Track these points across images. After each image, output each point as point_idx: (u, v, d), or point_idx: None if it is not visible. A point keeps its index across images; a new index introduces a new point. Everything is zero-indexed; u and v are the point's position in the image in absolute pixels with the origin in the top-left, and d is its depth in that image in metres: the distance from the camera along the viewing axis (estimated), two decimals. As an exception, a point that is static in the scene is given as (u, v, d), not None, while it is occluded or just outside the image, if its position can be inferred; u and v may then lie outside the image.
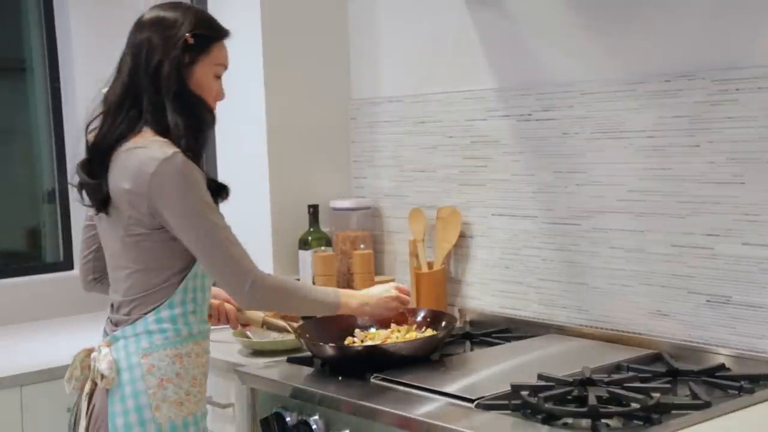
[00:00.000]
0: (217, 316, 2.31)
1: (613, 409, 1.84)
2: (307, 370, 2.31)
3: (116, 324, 2.06)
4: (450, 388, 2.03)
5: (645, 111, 2.32)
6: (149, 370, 1.99)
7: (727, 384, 2.01)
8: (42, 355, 2.70)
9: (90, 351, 2.07)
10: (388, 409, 1.96)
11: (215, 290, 2.22)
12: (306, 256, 2.94)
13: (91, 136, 2.07)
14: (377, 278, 2.89)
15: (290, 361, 2.38)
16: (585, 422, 1.81)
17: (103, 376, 1.98)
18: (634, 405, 1.83)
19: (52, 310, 3.25)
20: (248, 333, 2.55)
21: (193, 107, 2.03)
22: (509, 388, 1.96)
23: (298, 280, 2.95)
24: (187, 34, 2.01)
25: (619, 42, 2.39)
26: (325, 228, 3.01)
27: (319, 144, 3.10)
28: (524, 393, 1.92)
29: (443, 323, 2.38)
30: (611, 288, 2.43)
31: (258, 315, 2.39)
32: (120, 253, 2.03)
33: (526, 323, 2.62)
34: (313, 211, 2.99)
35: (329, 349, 2.26)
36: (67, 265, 3.43)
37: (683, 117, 2.25)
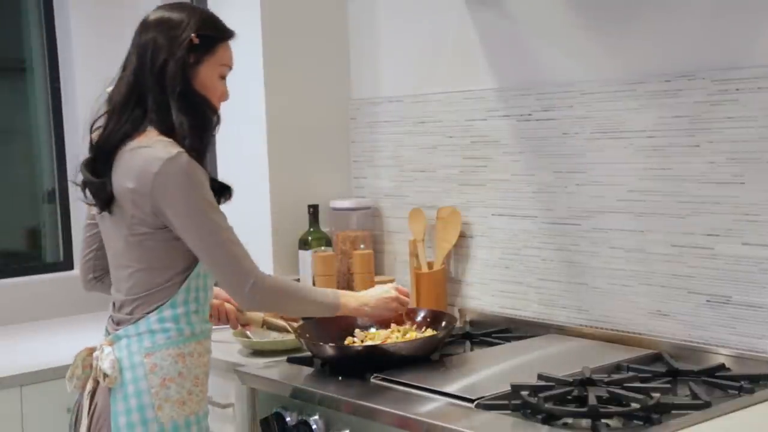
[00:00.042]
0: (217, 316, 2.31)
1: (613, 409, 1.84)
2: (307, 370, 2.31)
3: (118, 323, 2.06)
4: (450, 388, 2.03)
5: (645, 111, 2.32)
6: (152, 369, 1.99)
7: (727, 384, 2.01)
8: (42, 355, 2.70)
9: (92, 350, 2.08)
10: (387, 409, 1.96)
11: (216, 290, 2.22)
12: (306, 256, 2.94)
13: (95, 135, 2.07)
14: (377, 278, 2.89)
15: (290, 361, 2.38)
16: (585, 422, 1.81)
17: (105, 375, 1.99)
18: (634, 405, 1.83)
19: (52, 310, 3.25)
20: (248, 333, 2.56)
21: (198, 107, 2.04)
22: (509, 388, 1.96)
23: (298, 280, 2.95)
24: (192, 35, 2.02)
25: (619, 42, 2.39)
26: (325, 228, 3.01)
27: (319, 144, 3.10)
28: (524, 393, 1.92)
29: (443, 323, 2.38)
30: (611, 288, 2.43)
31: (258, 315, 2.39)
32: (123, 252, 2.04)
33: (526, 323, 2.62)
34: (313, 211, 2.99)
35: (329, 349, 2.26)
36: (67, 265, 3.43)
37: (683, 117, 2.25)
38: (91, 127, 2.09)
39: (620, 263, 2.40)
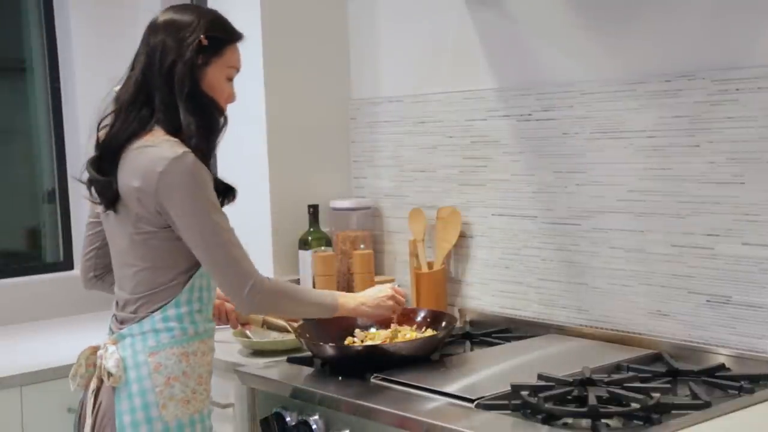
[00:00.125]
0: (218, 316, 2.31)
1: (613, 409, 1.84)
2: (307, 370, 2.31)
3: (122, 322, 2.07)
4: (450, 388, 2.03)
5: (645, 111, 2.32)
6: (156, 368, 2.00)
7: (727, 384, 2.01)
8: (42, 355, 2.69)
9: (95, 348, 2.09)
10: (387, 409, 1.96)
11: (216, 290, 2.22)
12: (306, 256, 2.94)
13: (102, 134, 2.08)
14: (377, 278, 2.89)
15: (290, 361, 2.38)
16: (585, 422, 1.81)
17: (110, 374, 1.99)
18: (634, 405, 1.84)
19: (52, 310, 3.25)
20: (248, 333, 2.56)
21: (206, 108, 2.05)
22: (509, 388, 1.97)
23: (298, 280, 2.95)
24: (201, 36, 2.03)
25: (619, 42, 2.39)
26: (325, 228, 3.01)
27: (319, 144, 3.10)
28: (524, 393, 1.92)
29: (443, 323, 2.39)
30: (611, 288, 2.43)
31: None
32: (127, 251, 2.04)
33: (526, 323, 2.62)
34: (313, 211, 2.99)
35: (329, 349, 2.26)
36: (67, 265, 3.43)
37: (683, 117, 2.25)
38: (98, 125, 2.10)
39: (620, 263, 2.40)
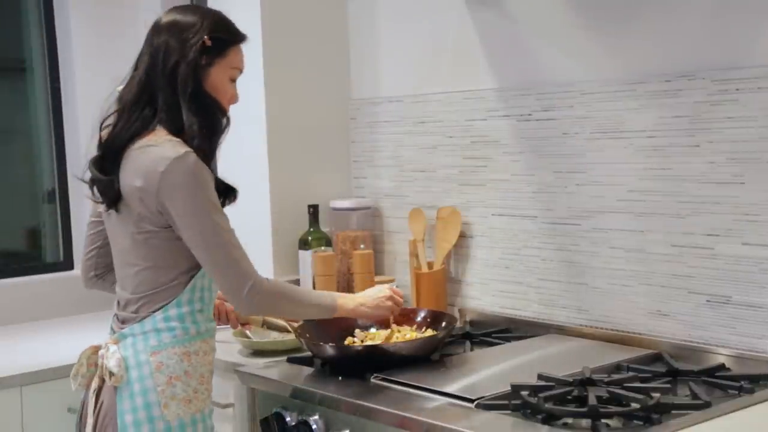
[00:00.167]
0: (218, 316, 2.31)
1: (613, 409, 1.84)
2: (307, 370, 2.31)
3: (123, 321, 2.07)
4: (450, 388, 2.03)
5: (645, 111, 2.32)
6: (158, 367, 2.00)
7: (727, 384, 2.01)
8: (42, 355, 2.69)
9: (97, 348, 2.09)
10: (387, 409, 1.96)
11: (216, 290, 2.23)
12: (306, 256, 2.94)
13: (104, 133, 2.09)
14: (377, 278, 2.89)
15: (290, 361, 2.38)
16: (585, 422, 1.81)
17: (112, 374, 2.00)
18: (634, 405, 1.83)
19: (52, 310, 3.25)
20: (248, 333, 2.56)
21: (209, 109, 2.05)
22: (509, 388, 1.97)
23: (298, 280, 2.95)
24: (205, 37, 2.03)
25: (619, 42, 2.39)
26: (325, 228, 3.01)
27: (319, 144, 3.10)
28: (524, 393, 1.92)
29: (443, 323, 2.39)
30: (611, 288, 2.43)
31: (258, 314, 2.39)
32: (129, 250, 2.05)
33: (526, 323, 2.62)
34: (313, 211, 2.99)
35: (329, 349, 2.26)
36: (67, 265, 3.43)
37: (683, 117, 2.25)
38: (101, 125, 2.11)
39: (620, 263, 2.40)
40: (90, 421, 2.05)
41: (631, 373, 2.09)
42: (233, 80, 2.12)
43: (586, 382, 1.98)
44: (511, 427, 1.84)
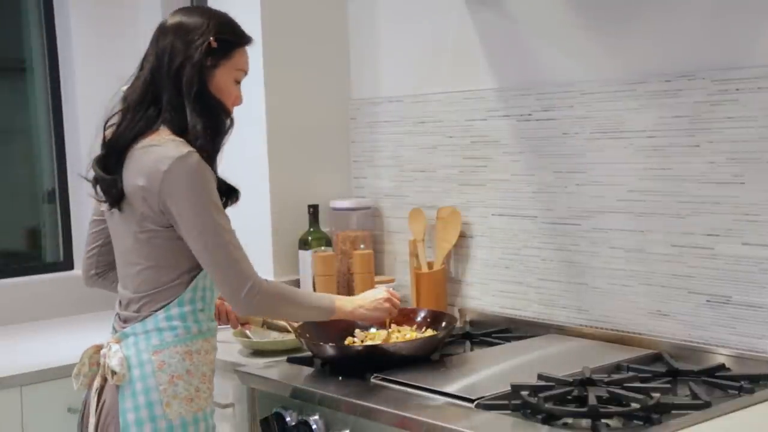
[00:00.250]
0: (218, 315, 2.31)
1: (613, 409, 1.84)
2: (307, 370, 2.31)
3: (125, 321, 2.08)
4: (450, 388, 2.03)
5: (645, 111, 2.33)
6: (160, 366, 2.01)
7: (727, 384, 2.01)
8: (42, 355, 2.69)
9: (99, 347, 2.10)
10: (387, 409, 1.96)
11: (216, 290, 2.23)
12: (306, 256, 2.94)
13: (108, 132, 2.09)
14: (377, 278, 2.89)
15: (290, 361, 2.38)
16: (585, 422, 1.81)
17: (114, 373, 2.00)
18: (634, 405, 1.83)
19: (52, 310, 3.25)
20: (248, 333, 2.56)
21: (213, 110, 2.06)
22: (509, 388, 1.97)
23: (298, 280, 2.95)
24: (211, 38, 2.04)
25: (619, 42, 2.39)
26: (325, 228, 3.01)
27: (319, 144, 3.10)
28: (524, 393, 1.92)
29: (443, 323, 2.39)
30: (611, 288, 2.43)
31: (258, 314, 2.39)
32: (132, 249, 2.05)
33: (526, 323, 2.62)
34: (313, 211, 2.99)
35: (329, 349, 2.26)
36: (67, 265, 3.43)
37: (683, 117, 2.25)
38: (105, 124, 2.11)
39: (620, 263, 2.40)
40: (92, 420, 2.06)
41: (631, 373, 2.09)
42: (238, 82, 2.13)
43: (586, 382, 1.98)
44: (511, 427, 1.84)
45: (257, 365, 2.38)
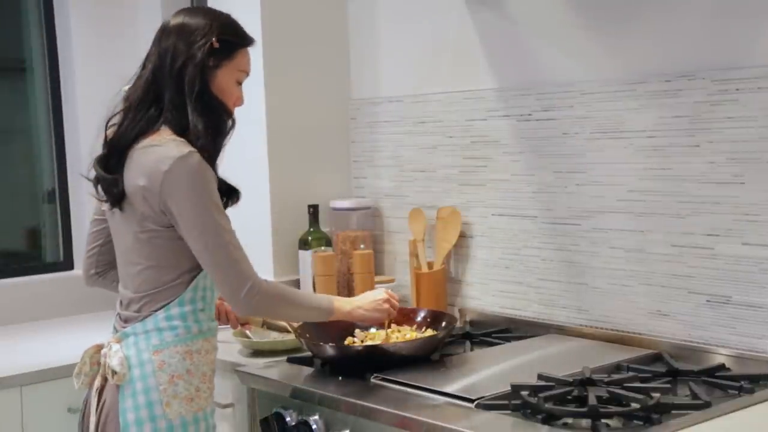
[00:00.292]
0: (218, 315, 2.31)
1: (613, 409, 1.84)
2: (307, 370, 2.31)
3: (126, 320, 2.08)
4: (450, 388, 2.03)
5: (645, 111, 2.33)
6: (160, 366, 2.01)
7: (727, 384, 2.01)
8: (42, 355, 2.69)
9: (99, 347, 2.10)
10: (388, 409, 1.96)
11: (216, 290, 2.23)
12: (306, 256, 2.93)
13: (110, 132, 2.10)
14: (377, 278, 2.89)
15: (290, 361, 2.38)
16: (585, 422, 1.81)
17: (114, 373, 2.01)
18: (634, 405, 1.83)
19: (52, 310, 3.25)
20: (248, 333, 2.56)
21: (214, 110, 2.07)
22: (509, 388, 1.97)
23: (298, 280, 2.95)
24: (213, 39, 2.04)
25: (619, 42, 2.39)
26: (325, 228, 3.01)
27: (319, 144, 3.10)
28: (524, 393, 1.92)
29: (443, 323, 2.39)
30: (611, 288, 2.43)
31: (258, 314, 2.39)
32: (132, 249, 2.06)
33: (526, 323, 2.62)
34: (313, 211, 2.99)
35: (329, 349, 2.26)
36: (67, 265, 3.43)
37: (683, 117, 2.25)
38: (107, 123, 2.12)
39: (620, 263, 2.40)
40: (92, 419, 2.06)
41: (631, 373, 2.09)
42: (239, 83, 2.13)
43: (586, 382, 1.98)
44: (511, 427, 1.84)
45: (257, 365, 2.38)
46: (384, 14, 3.02)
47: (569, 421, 1.82)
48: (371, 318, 2.30)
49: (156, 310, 2.04)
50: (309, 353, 2.34)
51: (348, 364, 2.24)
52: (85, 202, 3.29)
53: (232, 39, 2.09)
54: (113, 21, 3.42)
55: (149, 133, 2.03)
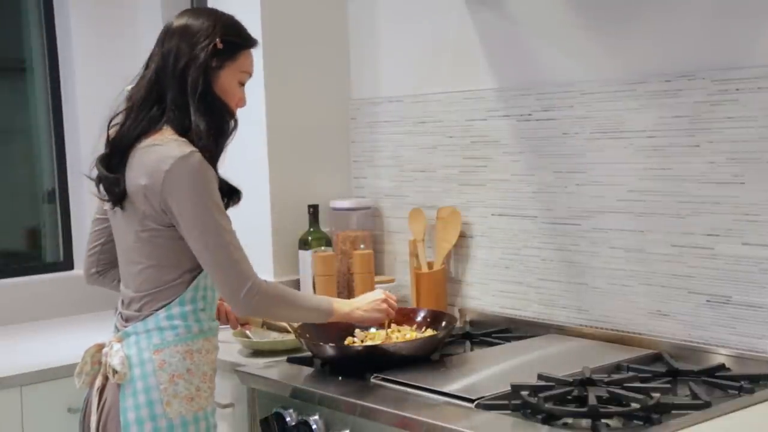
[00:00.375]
0: (217, 315, 2.31)
1: (613, 409, 1.84)
2: (307, 370, 2.31)
3: (127, 320, 2.08)
4: (450, 388, 2.03)
5: (645, 111, 2.33)
6: (161, 365, 2.01)
7: (727, 384, 2.01)
8: (42, 355, 2.69)
9: (101, 346, 2.10)
10: (388, 409, 1.96)
11: (216, 290, 2.23)
12: (306, 256, 2.93)
13: (112, 131, 2.10)
14: (377, 278, 2.89)
15: (290, 361, 2.38)
16: (585, 422, 1.81)
17: (115, 372, 2.01)
18: (634, 405, 1.83)
19: (52, 310, 3.25)
20: (248, 333, 2.56)
21: (217, 110, 2.07)
22: (509, 388, 1.97)
23: (298, 280, 2.95)
24: (217, 40, 2.05)
25: (619, 42, 2.39)
26: (325, 228, 3.01)
27: (319, 144, 3.10)
28: (524, 393, 1.92)
29: (443, 323, 2.39)
30: (611, 288, 2.43)
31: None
32: (133, 248, 2.06)
33: (526, 323, 2.62)
34: (313, 211, 2.99)
35: (329, 349, 2.26)
36: (67, 265, 3.43)
37: (683, 117, 2.25)
38: (109, 123, 2.12)
39: (620, 263, 2.40)
40: (93, 418, 2.06)
41: (631, 373, 2.09)
42: (242, 84, 2.14)
43: (586, 382, 1.98)
44: (511, 427, 1.84)
45: (257, 365, 2.38)
46: (384, 14, 3.02)
47: (569, 421, 1.82)
48: (370, 318, 2.30)
49: (157, 310, 2.04)
50: (309, 353, 2.34)
51: (348, 364, 2.24)
52: (85, 201, 3.29)
53: (235, 40, 2.10)
54: (113, 21, 3.42)
55: (151, 133, 2.04)
